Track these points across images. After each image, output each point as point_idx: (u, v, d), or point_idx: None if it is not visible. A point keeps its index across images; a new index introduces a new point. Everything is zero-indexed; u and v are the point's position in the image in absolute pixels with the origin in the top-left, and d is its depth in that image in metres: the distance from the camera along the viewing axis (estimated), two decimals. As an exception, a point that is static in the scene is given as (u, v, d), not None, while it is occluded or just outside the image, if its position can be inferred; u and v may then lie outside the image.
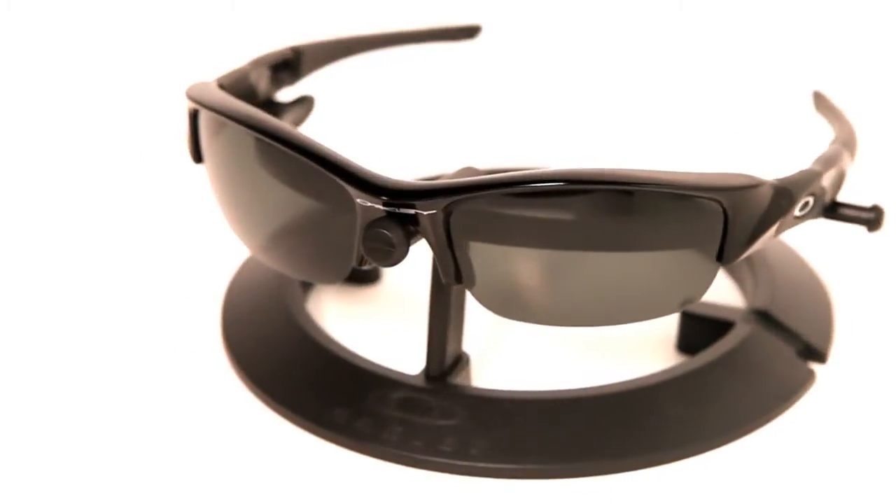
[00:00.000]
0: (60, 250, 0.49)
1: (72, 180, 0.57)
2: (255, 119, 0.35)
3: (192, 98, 0.37)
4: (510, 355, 0.41)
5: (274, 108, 0.43)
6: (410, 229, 0.33)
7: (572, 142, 0.61)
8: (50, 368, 0.40)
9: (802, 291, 0.43)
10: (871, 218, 0.37)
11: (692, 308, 0.39)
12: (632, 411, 0.36)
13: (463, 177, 0.37)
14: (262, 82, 0.42)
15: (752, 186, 0.32)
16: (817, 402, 0.38)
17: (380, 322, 0.43)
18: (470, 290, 0.34)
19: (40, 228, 0.52)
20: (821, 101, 0.47)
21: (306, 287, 0.43)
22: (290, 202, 0.36)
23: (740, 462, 0.35)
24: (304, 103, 0.44)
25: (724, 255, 0.33)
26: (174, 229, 0.51)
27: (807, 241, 0.46)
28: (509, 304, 0.34)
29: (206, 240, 0.48)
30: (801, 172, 0.35)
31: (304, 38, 0.46)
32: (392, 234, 0.32)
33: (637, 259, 0.33)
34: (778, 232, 0.34)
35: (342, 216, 0.34)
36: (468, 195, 0.32)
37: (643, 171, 0.32)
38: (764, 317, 0.40)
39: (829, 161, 0.36)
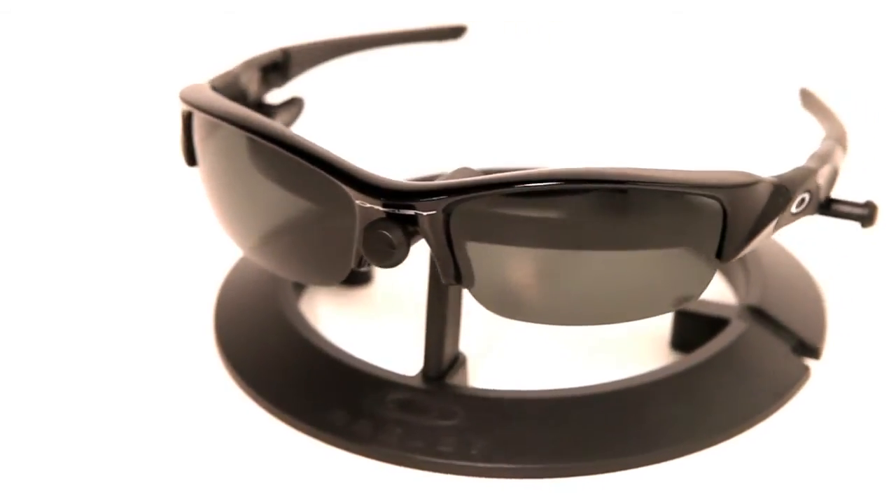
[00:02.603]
0: (53, 251, 0.49)
1: (65, 181, 0.57)
2: (252, 121, 0.34)
3: (186, 100, 0.37)
4: (505, 355, 0.41)
5: (264, 109, 0.43)
6: (410, 230, 0.33)
7: (565, 141, 0.61)
8: (43, 369, 0.40)
9: (794, 288, 0.43)
10: (864, 214, 0.37)
11: (687, 305, 0.39)
12: (630, 410, 0.36)
13: (460, 177, 0.37)
14: (252, 84, 0.42)
15: (750, 184, 0.33)
16: (812, 398, 0.38)
17: (373, 323, 0.43)
18: (469, 289, 0.34)
19: (33, 229, 0.51)
20: (808, 99, 0.47)
21: (299, 288, 0.43)
22: (287, 204, 0.36)
23: (738, 459, 0.36)
24: (294, 105, 0.44)
25: (723, 253, 0.33)
26: (166, 230, 0.51)
27: (796, 238, 0.46)
28: (508, 304, 0.34)
29: (198, 241, 0.48)
30: (798, 169, 0.35)
31: (299, 37, 0.46)
32: (392, 235, 0.32)
33: (636, 258, 0.33)
34: (775, 229, 0.34)
35: (340, 218, 0.34)
36: (467, 195, 0.32)
37: (642, 169, 0.32)
38: (757, 313, 0.40)
39: (823, 158, 0.37)
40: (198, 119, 0.37)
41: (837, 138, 0.39)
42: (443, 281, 0.33)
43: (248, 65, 0.42)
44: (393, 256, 0.32)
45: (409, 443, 0.35)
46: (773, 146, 0.55)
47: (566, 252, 0.33)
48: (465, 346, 0.38)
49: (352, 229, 0.33)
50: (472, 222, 0.32)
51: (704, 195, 0.32)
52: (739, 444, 0.36)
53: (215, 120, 0.35)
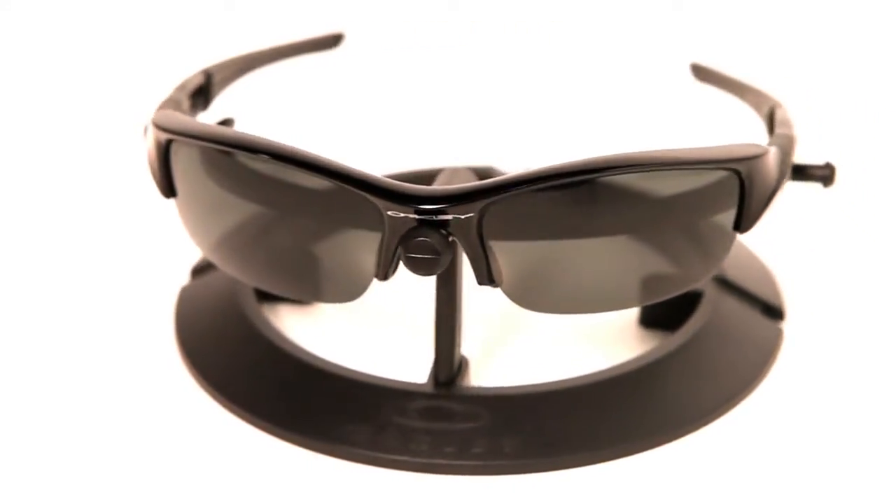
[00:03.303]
0: (11, 255, 0.48)
1: (25, 183, 0.56)
2: (262, 144, 0.33)
3: (167, 129, 0.35)
4: (494, 353, 0.41)
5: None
6: (446, 235, 0.32)
7: (512, 140, 0.61)
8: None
9: (741, 258, 0.45)
10: (826, 174, 0.39)
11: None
12: (645, 390, 0.37)
13: (453, 177, 0.37)
14: (186, 109, 0.41)
15: (763, 154, 0.34)
16: (791, 358, 0.40)
17: (344, 334, 0.42)
18: (502, 288, 0.34)
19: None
20: (703, 73, 0.49)
21: (260, 298, 0.42)
22: (301, 225, 0.35)
23: (750, 423, 0.37)
24: (228, 126, 0.43)
25: (741, 224, 0.34)
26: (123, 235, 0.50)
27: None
28: (542, 298, 0.34)
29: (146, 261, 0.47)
30: (783, 137, 0.36)
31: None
32: (435, 241, 0.32)
33: (662, 238, 0.34)
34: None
35: (361, 232, 0.33)
36: (503, 195, 0.32)
37: (664, 150, 0.33)
38: (724, 284, 0.41)
39: (788, 125, 0.38)
40: (184, 147, 0.35)
41: (778, 104, 0.41)
42: (478, 283, 0.33)
43: (181, 88, 0.41)
44: (438, 263, 0.32)
45: (441, 449, 0.35)
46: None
47: (596, 240, 0.34)
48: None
49: (376, 242, 0.33)
50: (502, 221, 0.32)
51: (725, 168, 0.33)
52: (748, 409, 0.38)
53: (211, 145, 0.34)
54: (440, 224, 0.32)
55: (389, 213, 0.32)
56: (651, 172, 0.33)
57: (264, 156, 0.33)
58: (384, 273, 0.33)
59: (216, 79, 0.44)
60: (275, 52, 0.47)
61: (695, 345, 0.38)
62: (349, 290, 0.35)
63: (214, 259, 0.37)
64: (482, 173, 0.39)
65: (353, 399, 0.37)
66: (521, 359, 0.41)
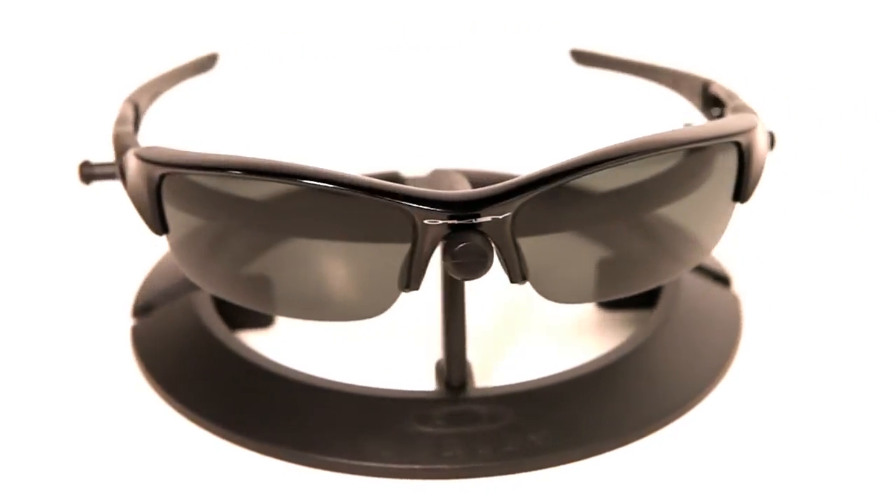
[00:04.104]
0: None
1: None
2: (283, 167, 0.32)
3: (162, 163, 0.33)
4: (481, 352, 0.41)
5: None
6: (485, 236, 0.32)
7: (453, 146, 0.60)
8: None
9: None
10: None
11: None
12: (645, 372, 0.38)
13: (445, 179, 0.37)
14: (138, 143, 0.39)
15: (756, 125, 0.35)
16: (752, 322, 0.42)
17: (320, 348, 0.42)
18: (532, 284, 0.34)
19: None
20: (585, 56, 0.51)
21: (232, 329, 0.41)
22: (317, 246, 0.34)
23: (743, 392, 0.38)
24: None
25: (742, 194, 0.35)
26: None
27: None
28: (570, 290, 0.35)
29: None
30: (745, 108, 0.38)
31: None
32: (480, 243, 0.32)
33: (676, 215, 0.35)
34: None
35: (386, 245, 0.33)
36: (537, 191, 0.32)
37: (673, 131, 0.34)
38: None
39: (736, 96, 0.40)
40: (181, 180, 0.34)
41: (710, 80, 0.42)
42: (510, 281, 0.33)
43: (122, 123, 0.39)
44: (486, 265, 0.32)
45: (476, 451, 0.35)
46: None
47: (615, 225, 0.34)
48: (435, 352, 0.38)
49: (403, 252, 0.32)
50: (529, 217, 0.33)
51: (728, 142, 0.34)
52: (737, 377, 0.39)
53: (232, 175, 0.33)
54: (477, 226, 0.32)
55: (427, 221, 0.32)
56: (661, 155, 0.34)
57: (286, 179, 0.32)
58: (417, 283, 0.33)
59: (140, 108, 0.42)
60: (164, 79, 0.45)
61: (678, 324, 0.40)
62: (375, 306, 0.34)
63: (222, 292, 0.35)
64: (471, 176, 0.39)
65: (371, 414, 0.36)
66: (510, 357, 0.41)
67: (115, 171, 0.37)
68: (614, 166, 0.33)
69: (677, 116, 0.45)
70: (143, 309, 0.42)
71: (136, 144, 0.36)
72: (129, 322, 0.42)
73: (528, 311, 0.44)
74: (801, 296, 0.44)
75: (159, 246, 0.45)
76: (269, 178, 0.33)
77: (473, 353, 0.39)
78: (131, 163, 0.35)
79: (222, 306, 0.41)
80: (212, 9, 0.70)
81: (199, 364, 0.39)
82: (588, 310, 0.43)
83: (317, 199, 0.33)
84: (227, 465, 0.36)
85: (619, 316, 0.43)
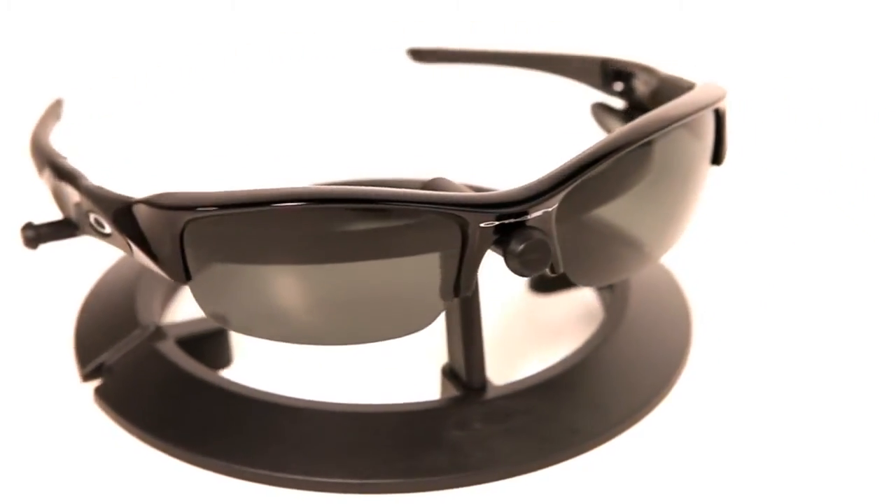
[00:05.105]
0: None
1: None
2: (326, 193, 0.32)
3: (187, 206, 0.32)
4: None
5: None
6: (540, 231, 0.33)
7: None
8: None
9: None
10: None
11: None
12: (635, 347, 0.40)
13: (448, 186, 0.37)
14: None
15: (726, 92, 0.37)
16: (752, 322, 0.43)
17: (295, 371, 0.41)
18: (565, 270, 0.34)
19: None
20: (424, 55, 0.51)
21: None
22: (358, 269, 0.33)
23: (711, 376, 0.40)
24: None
25: (719, 157, 0.38)
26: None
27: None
28: (597, 270, 0.36)
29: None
30: (672, 77, 0.40)
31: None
32: (541, 238, 0.32)
33: (678, 184, 0.37)
34: None
35: (431, 255, 0.33)
36: (578, 180, 0.33)
37: (668, 109, 0.35)
38: None
39: (652, 68, 0.42)
40: (207, 222, 0.32)
41: (609, 58, 0.44)
42: (550, 273, 0.34)
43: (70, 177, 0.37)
44: (550, 258, 0.32)
45: (525, 446, 0.35)
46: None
47: (632, 203, 0.36)
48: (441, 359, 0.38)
49: (451, 260, 0.32)
50: (566, 207, 0.33)
51: (713, 109, 0.36)
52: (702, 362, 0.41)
53: (274, 208, 0.31)
54: (525, 223, 0.32)
55: (483, 224, 0.32)
56: (668, 130, 0.35)
57: (328, 204, 0.32)
58: (468, 288, 0.33)
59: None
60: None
61: (642, 314, 0.41)
62: (422, 318, 0.34)
63: (260, 331, 0.34)
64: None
65: (410, 430, 0.36)
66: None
67: (77, 228, 0.36)
68: (637, 146, 0.34)
69: (561, 98, 0.47)
70: (95, 371, 0.39)
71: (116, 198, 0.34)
72: (78, 386, 0.40)
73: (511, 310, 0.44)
74: (800, 295, 0.45)
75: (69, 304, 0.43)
76: (310, 205, 0.32)
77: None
78: (142, 213, 0.33)
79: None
80: (211, 10, 0.69)
81: (201, 410, 0.37)
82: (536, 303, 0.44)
83: (358, 218, 0.32)
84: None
85: (557, 300, 0.44)
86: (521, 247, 0.32)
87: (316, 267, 0.33)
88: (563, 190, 0.32)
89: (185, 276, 0.33)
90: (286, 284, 0.33)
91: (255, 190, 0.32)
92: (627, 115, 0.43)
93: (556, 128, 0.54)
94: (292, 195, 0.31)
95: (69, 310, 0.43)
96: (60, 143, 0.40)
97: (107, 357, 0.39)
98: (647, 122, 0.34)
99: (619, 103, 0.44)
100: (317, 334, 0.34)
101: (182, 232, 0.32)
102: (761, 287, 0.45)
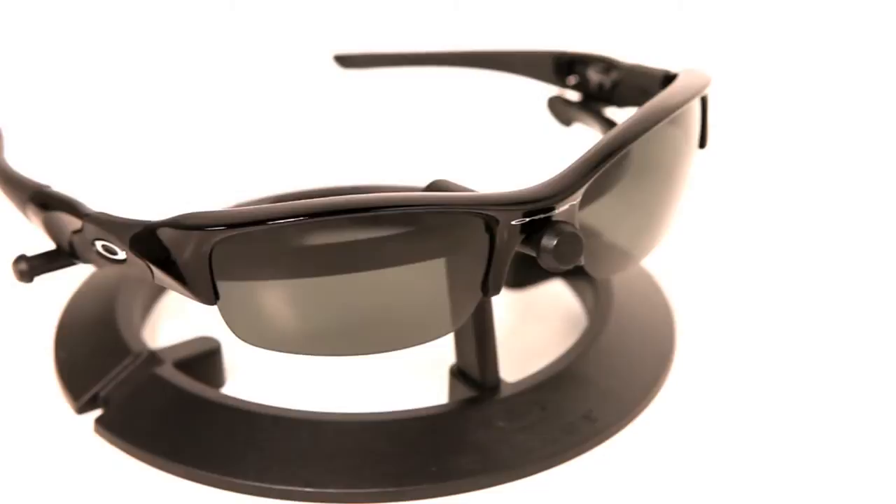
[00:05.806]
0: None
1: None
2: (354, 203, 0.31)
3: (216, 226, 0.31)
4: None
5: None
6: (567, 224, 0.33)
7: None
8: None
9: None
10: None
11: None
12: (633, 349, 0.40)
13: (444, 188, 0.37)
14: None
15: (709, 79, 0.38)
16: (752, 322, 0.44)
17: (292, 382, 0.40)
18: (585, 265, 0.35)
19: None
20: (350, 60, 0.51)
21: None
22: (387, 275, 0.33)
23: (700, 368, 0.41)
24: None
25: (704, 141, 0.39)
26: None
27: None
28: (613, 262, 0.36)
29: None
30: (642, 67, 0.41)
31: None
32: (572, 230, 0.32)
33: (676, 168, 0.38)
34: None
35: (461, 255, 0.33)
36: (597, 172, 0.33)
37: (665, 98, 0.36)
38: None
39: (609, 58, 0.43)
40: (233, 242, 0.31)
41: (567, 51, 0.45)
42: (579, 263, 0.34)
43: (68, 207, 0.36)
44: (581, 251, 0.33)
45: (552, 438, 0.36)
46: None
47: (639, 189, 0.36)
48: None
49: (479, 259, 0.33)
50: (586, 199, 0.34)
51: (702, 96, 0.37)
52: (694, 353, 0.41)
53: (307, 221, 0.31)
54: (551, 217, 0.33)
55: (514, 222, 0.32)
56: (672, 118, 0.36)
57: (357, 213, 0.31)
58: (497, 287, 0.33)
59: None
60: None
61: (627, 297, 0.42)
62: (453, 320, 0.34)
63: (292, 347, 0.33)
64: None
65: (434, 434, 0.36)
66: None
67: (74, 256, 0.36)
68: (646, 134, 0.34)
69: (514, 96, 0.47)
70: (91, 401, 0.38)
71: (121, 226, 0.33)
72: (73, 419, 0.38)
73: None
74: (782, 293, 0.45)
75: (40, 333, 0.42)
76: (337, 216, 0.31)
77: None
78: (167, 236, 0.32)
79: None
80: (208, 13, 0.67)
81: (219, 430, 0.36)
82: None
83: (386, 224, 0.32)
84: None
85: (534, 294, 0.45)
86: (555, 241, 0.32)
87: (344, 276, 0.33)
88: (586, 182, 0.33)
89: (214, 298, 0.32)
90: (318, 297, 0.33)
91: (284, 204, 0.31)
92: (585, 106, 0.44)
93: (512, 125, 0.54)
94: (327, 208, 0.31)
95: (41, 338, 0.42)
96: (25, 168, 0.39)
97: (100, 387, 0.38)
98: (652, 111, 0.35)
99: (574, 96, 0.44)
100: (352, 344, 0.34)
101: (211, 252, 0.31)
102: (739, 281, 0.46)
